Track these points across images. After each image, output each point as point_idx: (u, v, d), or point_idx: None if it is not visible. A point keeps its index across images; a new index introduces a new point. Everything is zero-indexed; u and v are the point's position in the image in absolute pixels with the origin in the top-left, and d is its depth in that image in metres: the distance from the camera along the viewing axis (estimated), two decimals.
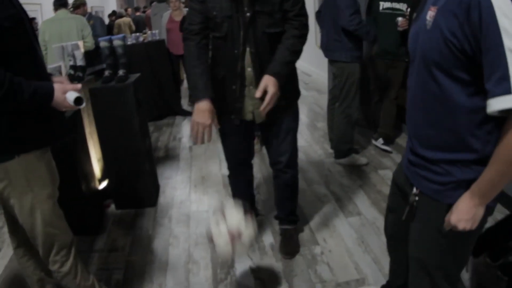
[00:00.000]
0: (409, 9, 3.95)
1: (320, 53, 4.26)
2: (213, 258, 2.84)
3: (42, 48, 4.67)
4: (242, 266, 2.74)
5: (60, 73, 3.29)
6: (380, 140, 4.43)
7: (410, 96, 1.47)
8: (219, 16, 2.21)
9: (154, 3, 7.94)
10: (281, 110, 2.36)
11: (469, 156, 1.31)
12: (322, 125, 5.28)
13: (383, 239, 2.85)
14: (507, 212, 2.96)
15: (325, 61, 4.45)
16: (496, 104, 1.14)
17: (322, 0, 4.06)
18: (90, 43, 5.10)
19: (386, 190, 3.51)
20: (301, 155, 3.02)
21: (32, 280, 2.20)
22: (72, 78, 3.37)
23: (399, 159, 4.13)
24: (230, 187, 2.95)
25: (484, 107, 1.21)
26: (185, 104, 6.72)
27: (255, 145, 4.63)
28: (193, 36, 2.30)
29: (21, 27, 1.66)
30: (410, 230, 1.59)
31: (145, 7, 15.31)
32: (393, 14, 3.98)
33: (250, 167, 2.90)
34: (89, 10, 7.23)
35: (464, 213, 1.31)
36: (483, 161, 1.28)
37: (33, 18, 7.02)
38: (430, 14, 1.30)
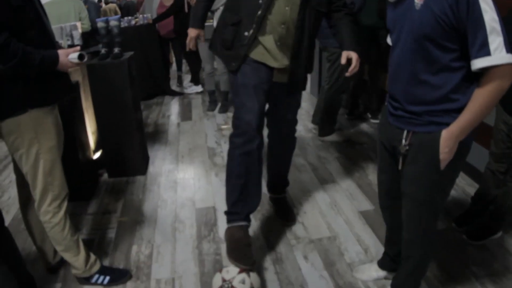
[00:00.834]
0: None
1: None
2: (198, 218, 3.12)
3: None
4: (223, 224, 2.99)
5: None
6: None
7: (394, 65, 1.79)
8: None
9: None
10: (301, 81, 2.63)
11: (450, 106, 1.66)
12: (305, 104, 5.56)
13: (356, 203, 3.20)
14: (475, 184, 3.28)
15: None
16: (479, 63, 1.53)
17: None
18: (87, 25, 5.33)
19: (361, 162, 3.85)
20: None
21: (36, 231, 2.45)
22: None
23: (375, 136, 4.43)
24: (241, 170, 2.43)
25: (464, 67, 1.60)
26: (173, 85, 6.95)
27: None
28: None
29: (29, 4, 1.93)
30: (404, 176, 1.89)
31: None
32: None
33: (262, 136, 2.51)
34: None
35: (443, 147, 1.68)
36: (461, 110, 1.64)
37: None
38: None
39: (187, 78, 7.12)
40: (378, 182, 2.20)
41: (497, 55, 1.49)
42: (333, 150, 4.17)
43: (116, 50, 3.61)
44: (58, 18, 4.89)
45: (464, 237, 2.73)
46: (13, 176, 2.56)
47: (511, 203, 2.58)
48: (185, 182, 3.70)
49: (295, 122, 2.90)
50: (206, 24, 4.91)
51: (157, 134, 4.92)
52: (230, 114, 5.19)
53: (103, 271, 2.49)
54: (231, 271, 2.22)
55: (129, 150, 3.73)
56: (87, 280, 2.47)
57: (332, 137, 4.48)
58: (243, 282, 2.16)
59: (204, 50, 5.27)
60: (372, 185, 3.46)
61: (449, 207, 3.06)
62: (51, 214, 2.20)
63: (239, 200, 2.43)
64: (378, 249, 2.69)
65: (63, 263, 2.61)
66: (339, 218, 3.06)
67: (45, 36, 2.04)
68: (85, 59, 2.08)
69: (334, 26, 2.59)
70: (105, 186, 3.70)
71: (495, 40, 1.49)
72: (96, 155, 3.86)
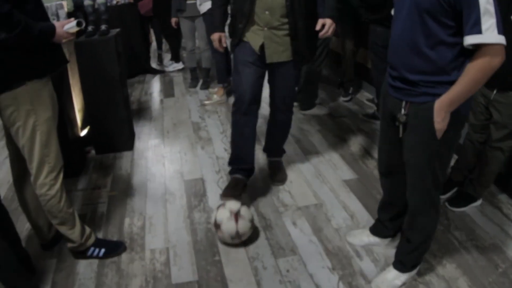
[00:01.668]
0: None
1: None
2: (187, 190, 3.21)
3: None
4: (213, 194, 3.11)
5: None
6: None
7: (395, 36, 1.90)
8: None
9: None
10: (296, 62, 2.87)
11: (445, 78, 1.77)
12: None
13: (339, 173, 3.32)
14: (455, 156, 3.39)
15: None
16: (470, 39, 1.64)
17: None
18: (70, 6, 5.29)
19: (343, 134, 3.97)
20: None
21: (30, 207, 2.48)
22: None
23: (355, 109, 4.56)
24: (236, 132, 3.03)
25: (460, 43, 1.70)
26: (154, 63, 6.96)
27: (222, 95, 4.98)
28: None
29: None
30: (404, 145, 2.01)
31: None
32: None
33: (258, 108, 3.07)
34: None
35: (436, 117, 1.80)
36: (453, 82, 1.74)
37: None
38: None
39: (167, 56, 7.13)
40: (379, 151, 2.33)
41: (488, 34, 1.60)
42: (315, 123, 4.28)
43: (103, 27, 3.66)
44: None
45: (446, 205, 2.87)
46: None
47: (489, 171, 2.73)
48: (172, 156, 3.77)
49: (289, 110, 3.11)
50: (188, 2, 4.96)
51: (141, 111, 4.95)
52: (212, 90, 5.25)
53: (98, 243, 2.55)
54: (233, 204, 2.59)
55: (116, 126, 3.78)
56: (82, 253, 2.52)
57: (313, 111, 4.60)
58: (246, 211, 2.58)
59: (186, 27, 5.29)
60: (354, 156, 3.59)
61: None
62: (48, 187, 2.24)
63: (233, 157, 3.11)
64: (363, 215, 2.83)
65: (57, 239, 2.64)
66: (324, 186, 3.18)
67: (40, 9, 2.10)
68: (83, 25, 2.19)
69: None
70: (93, 162, 3.74)
71: (488, 21, 1.59)
72: (83, 132, 3.89)
